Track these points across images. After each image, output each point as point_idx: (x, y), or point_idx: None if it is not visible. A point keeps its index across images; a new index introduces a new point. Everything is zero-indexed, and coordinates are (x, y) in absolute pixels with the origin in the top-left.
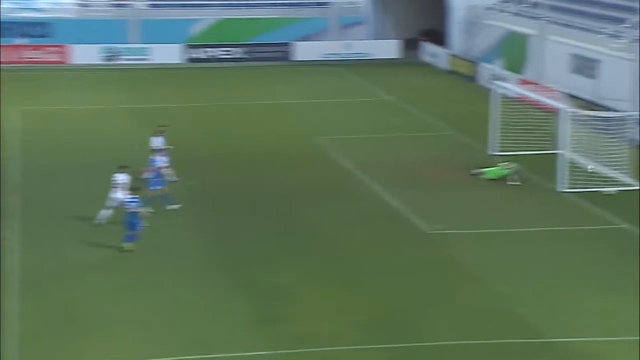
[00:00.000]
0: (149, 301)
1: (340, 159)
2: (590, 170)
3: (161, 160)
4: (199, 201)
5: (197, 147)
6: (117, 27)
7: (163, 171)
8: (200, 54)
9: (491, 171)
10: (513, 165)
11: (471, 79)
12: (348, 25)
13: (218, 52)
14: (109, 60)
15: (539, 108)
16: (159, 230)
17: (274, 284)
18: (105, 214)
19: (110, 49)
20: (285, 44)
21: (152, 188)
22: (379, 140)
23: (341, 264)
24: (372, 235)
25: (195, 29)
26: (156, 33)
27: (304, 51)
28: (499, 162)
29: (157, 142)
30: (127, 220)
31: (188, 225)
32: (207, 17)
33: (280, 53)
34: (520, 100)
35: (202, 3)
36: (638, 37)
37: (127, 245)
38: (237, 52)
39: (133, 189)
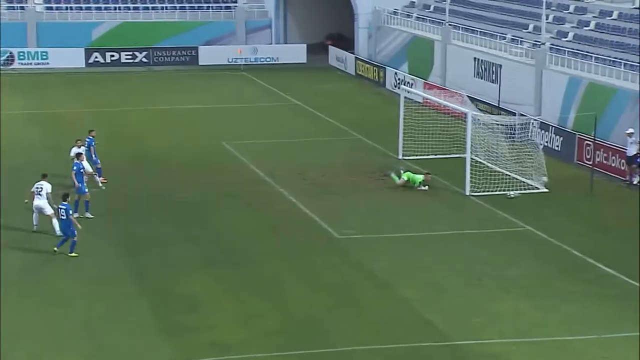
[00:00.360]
0: (54, 310)
1: (250, 165)
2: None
3: (84, 167)
4: (108, 208)
5: (103, 153)
6: (14, 30)
7: (86, 178)
8: (103, 58)
9: (408, 176)
10: (429, 175)
11: (378, 83)
12: (255, 29)
13: (122, 56)
14: (5, 65)
15: (444, 112)
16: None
17: (181, 292)
18: (36, 218)
19: (7, 53)
20: (191, 48)
21: (78, 193)
22: (289, 145)
23: (250, 271)
24: (282, 241)
25: (97, 32)
26: (56, 36)
27: (210, 55)
28: (420, 172)
29: (75, 150)
30: (61, 228)
31: (97, 232)
32: (110, 20)
33: (186, 57)
34: (427, 105)
35: (104, 5)
36: (539, 42)
37: (70, 253)
38: (141, 56)
39: (64, 196)
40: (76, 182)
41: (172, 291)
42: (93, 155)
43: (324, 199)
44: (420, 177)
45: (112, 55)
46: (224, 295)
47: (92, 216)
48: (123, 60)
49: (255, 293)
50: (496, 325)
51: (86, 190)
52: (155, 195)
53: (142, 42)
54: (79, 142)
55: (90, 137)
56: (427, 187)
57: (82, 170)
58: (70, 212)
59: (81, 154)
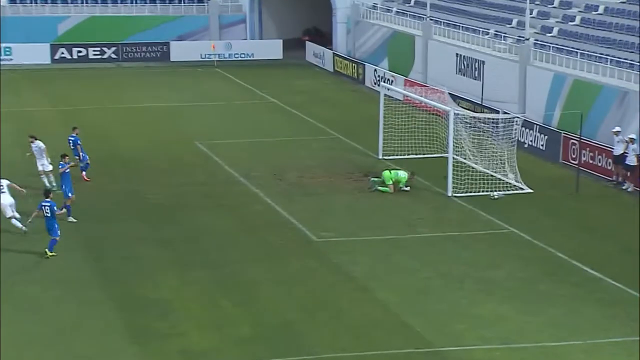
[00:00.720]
0: (20, 316)
1: (224, 165)
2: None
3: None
4: (77, 209)
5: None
6: None
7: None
8: (70, 54)
9: (393, 176)
10: (410, 175)
11: (357, 80)
12: (229, 24)
13: (90, 52)
14: None
15: (426, 110)
16: (40, 241)
17: (151, 297)
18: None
19: None
20: (162, 44)
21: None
22: (265, 145)
23: (224, 274)
24: (257, 244)
25: (64, 27)
26: (20, 31)
27: (182, 51)
28: (400, 171)
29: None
30: (46, 226)
31: (66, 235)
32: (76, 15)
33: (157, 53)
34: (407, 103)
35: None
36: (522, 38)
37: (49, 252)
38: (110, 52)
39: (46, 192)
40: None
41: (142, 296)
42: (81, 152)
43: (301, 200)
44: (404, 177)
45: (80, 51)
46: (196, 300)
47: (75, 220)
48: (91, 57)
49: (229, 298)
50: (478, 330)
51: (70, 194)
52: (126, 197)
53: (110, 38)
54: (31, 139)
55: (75, 135)
56: (409, 188)
57: (67, 171)
58: (56, 208)
59: (66, 155)
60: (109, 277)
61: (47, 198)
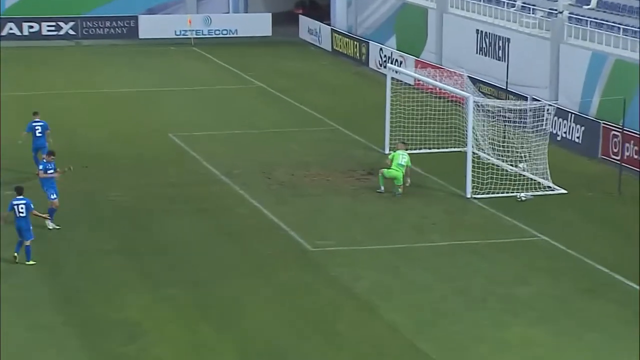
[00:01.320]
0: None
1: (203, 161)
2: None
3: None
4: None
5: (26, 146)
6: None
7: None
8: (20, 29)
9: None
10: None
11: (359, 61)
12: None
13: (43, 28)
14: None
15: (440, 97)
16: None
17: (117, 318)
18: None
19: None
20: (129, 18)
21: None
22: (250, 137)
23: (202, 292)
24: (242, 255)
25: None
26: None
27: (153, 27)
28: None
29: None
30: (18, 227)
31: (15, 245)
32: None
33: (123, 29)
34: (419, 88)
35: None
36: (555, 11)
37: (23, 258)
38: (67, 28)
39: (18, 189)
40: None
41: (107, 317)
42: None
43: (293, 202)
44: (404, 164)
45: (31, 27)
46: (170, 321)
47: (57, 227)
48: (45, 33)
49: (208, 319)
50: (503, 357)
51: (53, 197)
52: (86, 200)
53: (68, 11)
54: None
55: (41, 121)
56: (400, 192)
57: (50, 172)
58: (32, 207)
59: (53, 153)
60: (65, 296)
61: (19, 195)
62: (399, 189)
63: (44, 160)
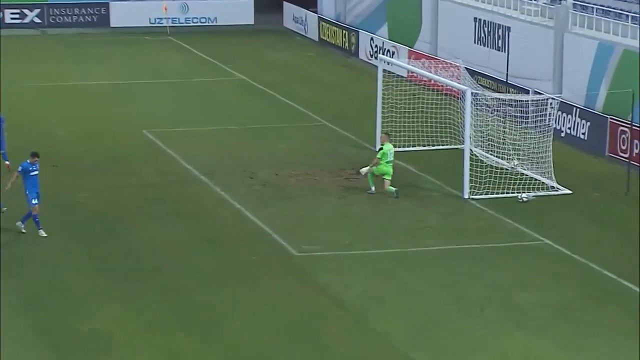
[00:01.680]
0: None
1: (180, 160)
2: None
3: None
4: None
5: None
6: None
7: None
8: None
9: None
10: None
11: (348, 52)
12: None
13: (6, 15)
14: None
15: (436, 90)
16: None
17: (87, 329)
18: None
19: None
20: (100, 5)
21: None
22: (231, 133)
23: (180, 300)
24: (222, 261)
25: None
26: None
27: (126, 14)
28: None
29: None
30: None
31: None
32: None
33: (93, 17)
34: (412, 80)
35: None
36: None
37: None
38: (32, 15)
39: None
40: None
41: (75, 328)
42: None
43: (277, 204)
44: (390, 170)
45: None
46: (145, 332)
47: (44, 235)
48: (8, 21)
49: (187, 329)
50: None
51: (34, 202)
52: (52, 202)
53: None
54: None
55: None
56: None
57: (33, 174)
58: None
59: (37, 154)
60: (30, 307)
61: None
62: (394, 191)
63: (28, 162)
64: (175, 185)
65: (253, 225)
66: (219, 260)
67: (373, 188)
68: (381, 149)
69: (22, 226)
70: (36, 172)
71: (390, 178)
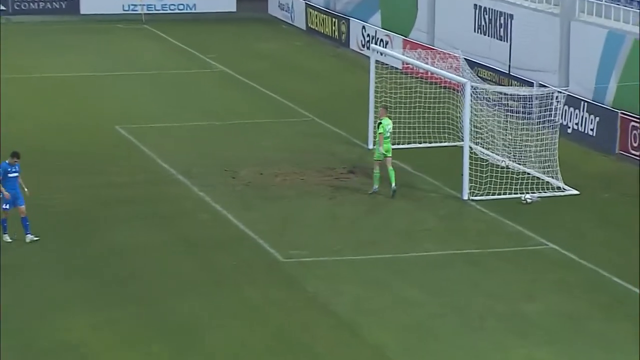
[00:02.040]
0: None
1: (157, 158)
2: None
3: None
4: None
5: None
6: None
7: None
8: None
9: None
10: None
11: (338, 41)
12: None
13: None
14: None
15: (433, 83)
16: None
17: (55, 342)
18: None
19: None
20: None
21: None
22: (212, 130)
23: (156, 311)
24: (202, 268)
25: None
26: None
27: (97, 1)
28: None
29: None
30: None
31: None
32: None
33: (61, 3)
34: (408, 72)
35: None
36: None
37: None
38: None
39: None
40: (4, 191)
41: (43, 342)
42: None
43: (262, 206)
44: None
45: None
46: (118, 345)
47: (36, 238)
48: None
49: (163, 341)
50: None
51: (5, 206)
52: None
53: None
54: None
55: None
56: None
57: (12, 175)
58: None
59: (17, 155)
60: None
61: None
62: (393, 189)
63: (7, 162)
64: (151, 185)
65: (235, 229)
66: (198, 266)
67: (376, 186)
68: (380, 123)
69: (31, 236)
70: (16, 174)
71: (391, 155)
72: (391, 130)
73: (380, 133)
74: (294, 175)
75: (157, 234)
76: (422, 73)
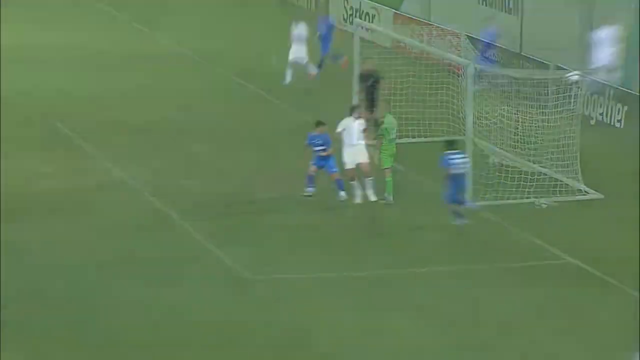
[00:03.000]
0: None
1: (106, 159)
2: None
3: None
4: None
5: None
6: None
7: None
8: None
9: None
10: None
11: (317, 16)
12: None
13: None
14: None
15: (429, 64)
16: None
17: None
18: None
19: None
20: None
21: None
22: (167, 123)
23: (105, 340)
24: (156, 288)
25: None
26: None
27: None
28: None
29: None
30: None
31: None
32: None
33: None
34: (399, 52)
35: None
36: None
37: None
38: None
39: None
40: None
41: None
42: None
43: (226, 215)
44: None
45: None
46: None
47: None
48: None
49: None
50: None
51: None
52: None
53: None
54: None
55: None
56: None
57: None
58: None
59: None
60: None
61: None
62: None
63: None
64: (91, 191)
65: (197, 244)
66: (151, 286)
67: (391, 197)
68: (382, 122)
69: None
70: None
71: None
72: (395, 132)
73: (380, 135)
74: (271, 178)
75: (100, 248)
76: (416, 53)
